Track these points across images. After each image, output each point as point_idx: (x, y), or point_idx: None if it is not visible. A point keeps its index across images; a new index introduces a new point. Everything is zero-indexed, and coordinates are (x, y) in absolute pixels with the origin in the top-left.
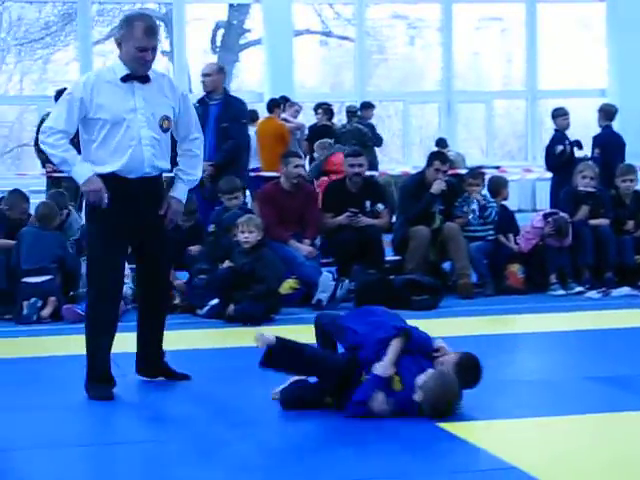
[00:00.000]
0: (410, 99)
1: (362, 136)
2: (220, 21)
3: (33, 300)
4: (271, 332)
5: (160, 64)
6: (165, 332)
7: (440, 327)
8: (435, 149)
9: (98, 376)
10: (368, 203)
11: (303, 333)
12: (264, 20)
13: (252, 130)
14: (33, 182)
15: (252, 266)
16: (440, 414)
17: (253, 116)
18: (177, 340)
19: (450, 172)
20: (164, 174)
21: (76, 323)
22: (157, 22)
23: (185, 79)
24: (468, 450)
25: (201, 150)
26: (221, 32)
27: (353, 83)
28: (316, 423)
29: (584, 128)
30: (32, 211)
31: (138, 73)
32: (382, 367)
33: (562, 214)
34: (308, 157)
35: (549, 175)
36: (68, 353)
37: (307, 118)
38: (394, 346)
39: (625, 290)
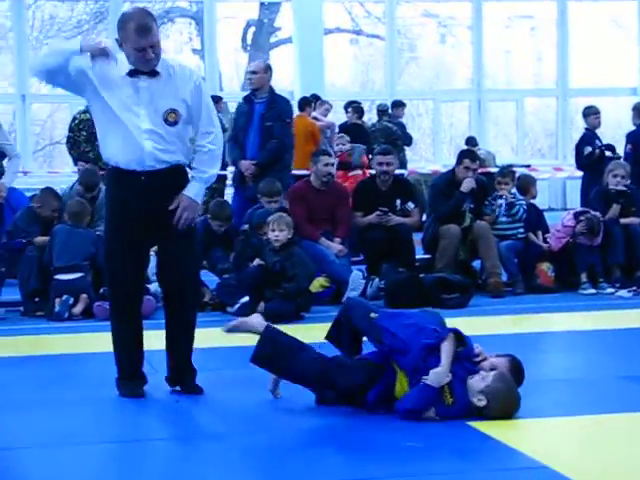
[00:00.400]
0: (440, 97)
1: (391, 134)
2: (251, 19)
3: (65, 297)
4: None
5: (191, 62)
6: (195, 330)
7: (470, 326)
8: (465, 148)
9: (127, 373)
10: (398, 202)
11: None
12: (295, 18)
13: None
14: (65, 180)
15: (282, 264)
16: (509, 415)
17: None
18: (207, 338)
19: (480, 170)
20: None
21: (107, 320)
22: (151, 15)
23: (216, 77)
24: (500, 449)
25: (217, 145)
26: (252, 30)
27: (383, 81)
28: (344, 420)
29: (615, 127)
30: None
31: (145, 70)
32: (436, 375)
33: (593, 213)
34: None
35: (580, 174)
36: (99, 350)
37: (337, 116)
38: (447, 350)
39: None
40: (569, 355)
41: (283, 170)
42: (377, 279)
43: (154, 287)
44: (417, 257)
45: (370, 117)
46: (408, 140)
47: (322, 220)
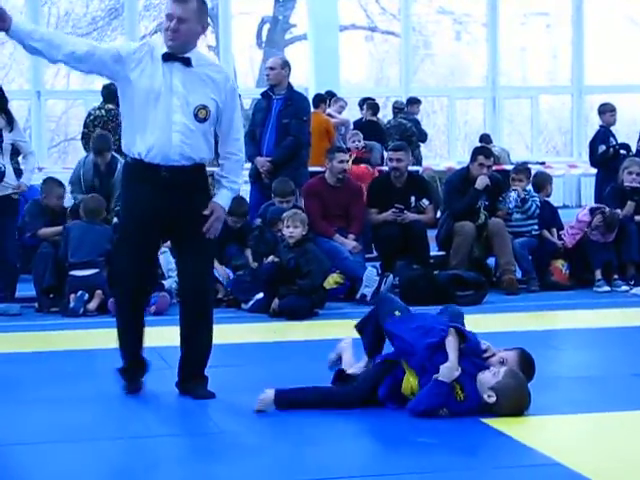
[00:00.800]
0: (455, 94)
1: (405, 131)
2: (266, 16)
3: (80, 293)
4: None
5: None
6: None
7: (485, 323)
8: (479, 145)
9: (126, 367)
10: (413, 198)
11: (347, 328)
12: (309, 15)
13: None
14: None
15: (297, 261)
16: (520, 412)
17: None
18: (221, 334)
19: (495, 168)
20: (209, 168)
21: None
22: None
23: (231, 74)
24: (513, 446)
25: (243, 152)
26: (267, 27)
27: (398, 78)
28: (355, 415)
29: (630, 124)
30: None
31: (169, 49)
32: (447, 369)
33: (610, 209)
34: None
35: (594, 171)
36: (114, 346)
37: (352, 113)
38: (452, 345)
39: None
40: (583, 352)
41: (299, 167)
42: (391, 276)
43: (168, 283)
44: (431, 254)
45: (385, 114)
46: (423, 137)
47: (336, 217)
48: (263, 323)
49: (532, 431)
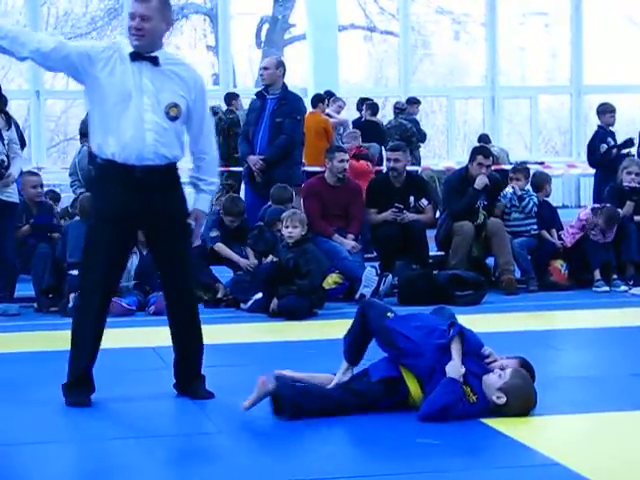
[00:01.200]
0: (454, 94)
1: (405, 131)
2: (265, 16)
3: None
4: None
5: (205, 59)
6: (209, 326)
7: (484, 323)
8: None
9: (72, 383)
10: (412, 198)
11: (346, 328)
12: (308, 15)
13: None
14: None
15: (296, 261)
16: (528, 411)
17: None
18: (220, 333)
19: (494, 168)
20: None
21: (121, 316)
22: None
23: (230, 74)
24: (513, 446)
25: (216, 150)
26: (266, 27)
27: (397, 78)
28: (356, 417)
29: (629, 124)
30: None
31: (135, 49)
32: (452, 368)
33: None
34: None
35: (593, 171)
36: (113, 346)
37: (350, 113)
38: (457, 348)
39: None
40: (582, 352)
41: (292, 167)
42: (390, 276)
43: None
44: (430, 254)
45: (384, 114)
46: (422, 137)
47: (336, 216)
48: (262, 323)
49: (532, 431)
